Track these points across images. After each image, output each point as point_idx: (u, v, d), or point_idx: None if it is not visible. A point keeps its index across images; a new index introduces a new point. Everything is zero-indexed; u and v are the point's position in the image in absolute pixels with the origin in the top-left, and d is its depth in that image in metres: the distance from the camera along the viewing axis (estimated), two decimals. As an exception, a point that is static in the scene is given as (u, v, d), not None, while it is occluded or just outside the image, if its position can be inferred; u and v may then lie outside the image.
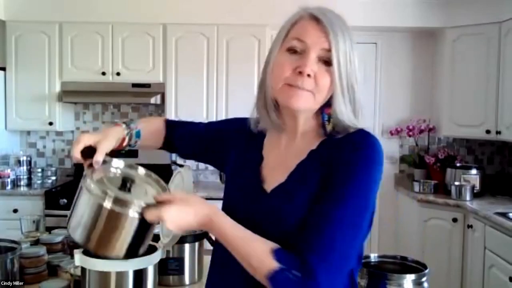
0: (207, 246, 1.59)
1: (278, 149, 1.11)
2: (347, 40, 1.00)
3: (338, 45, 0.98)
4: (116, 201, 0.96)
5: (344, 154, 0.99)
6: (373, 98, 4.08)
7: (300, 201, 0.98)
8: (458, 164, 3.77)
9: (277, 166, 1.08)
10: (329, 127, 1.04)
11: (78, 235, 1.01)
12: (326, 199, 0.95)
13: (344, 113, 1.01)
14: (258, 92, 1.11)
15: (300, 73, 0.98)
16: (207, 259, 1.70)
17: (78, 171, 4.02)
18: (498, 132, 3.50)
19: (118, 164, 1.13)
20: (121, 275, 1.30)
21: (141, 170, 1.13)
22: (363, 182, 0.97)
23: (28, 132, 4.16)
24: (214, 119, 3.65)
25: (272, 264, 0.90)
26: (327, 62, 0.99)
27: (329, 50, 0.98)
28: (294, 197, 1.00)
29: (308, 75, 0.97)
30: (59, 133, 4.17)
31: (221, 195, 1.18)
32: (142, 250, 1.06)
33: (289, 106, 1.01)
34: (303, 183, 1.00)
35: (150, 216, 0.96)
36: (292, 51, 1.00)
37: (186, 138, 1.33)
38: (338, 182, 0.96)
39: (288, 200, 1.00)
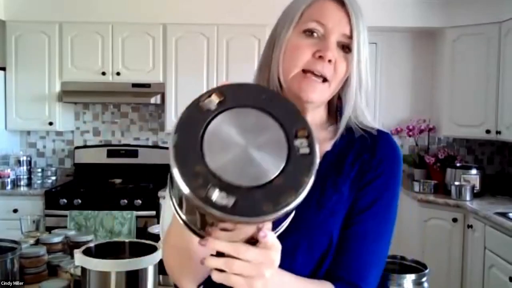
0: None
1: None
2: (364, 23, 0.93)
3: (359, 29, 0.90)
4: None
5: (378, 167, 0.92)
6: (373, 98, 4.08)
7: (330, 207, 0.90)
8: (458, 164, 3.76)
9: None
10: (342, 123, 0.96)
11: None
12: (368, 218, 0.90)
13: (358, 106, 0.95)
14: (257, 79, 0.98)
15: (321, 57, 0.88)
16: (207, 259, 1.71)
17: (78, 171, 4.02)
18: (498, 132, 3.50)
19: None
20: (121, 275, 1.30)
21: None
22: (396, 195, 0.94)
23: (28, 132, 4.16)
24: (214, 119, 3.64)
25: None
26: (344, 47, 0.91)
27: (350, 36, 0.90)
28: (322, 204, 0.89)
29: (329, 61, 0.88)
30: (59, 133, 4.17)
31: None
32: None
33: (303, 97, 0.90)
34: (330, 190, 0.91)
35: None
36: (309, 33, 0.90)
37: None
38: (377, 199, 0.91)
39: (316, 208, 0.89)
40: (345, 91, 0.94)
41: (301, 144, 0.58)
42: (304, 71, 0.89)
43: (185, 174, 0.56)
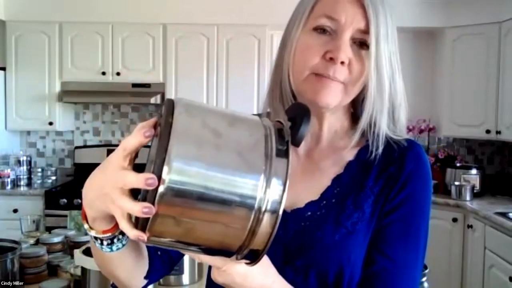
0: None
1: (296, 154, 0.87)
2: (388, 15, 0.80)
3: (378, 23, 0.78)
4: None
5: (406, 185, 0.81)
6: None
7: (350, 226, 0.80)
8: (458, 164, 3.77)
9: (298, 178, 0.85)
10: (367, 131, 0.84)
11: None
12: (396, 242, 0.80)
13: (380, 111, 0.82)
14: (271, 81, 0.89)
15: (332, 59, 0.77)
16: (207, 259, 1.71)
17: (78, 171, 4.02)
18: (498, 132, 3.50)
19: None
20: (121, 275, 1.30)
21: None
22: (427, 219, 0.83)
23: (28, 132, 4.16)
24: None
25: None
26: (362, 44, 0.79)
27: (366, 31, 0.77)
28: (341, 222, 0.80)
29: (342, 63, 0.77)
30: (59, 133, 4.17)
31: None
32: None
33: (317, 102, 0.79)
34: (351, 207, 0.81)
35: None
36: (320, 31, 0.79)
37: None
38: (409, 221, 0.81)
39: (334, 226, 0.79)
40: (364, 94, 0.82)
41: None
42: (316, 74, 0.79)
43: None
